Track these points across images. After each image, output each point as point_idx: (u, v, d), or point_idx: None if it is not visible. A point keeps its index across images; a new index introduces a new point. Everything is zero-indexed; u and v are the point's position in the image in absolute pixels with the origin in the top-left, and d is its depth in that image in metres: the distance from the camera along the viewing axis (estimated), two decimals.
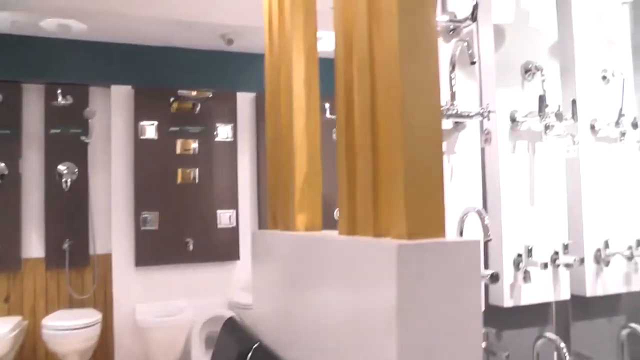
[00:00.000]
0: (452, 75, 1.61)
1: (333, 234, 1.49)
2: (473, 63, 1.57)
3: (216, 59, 3.79)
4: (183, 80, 3.72)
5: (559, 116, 1.71)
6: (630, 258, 2.00)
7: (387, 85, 1.18)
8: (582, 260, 1.81)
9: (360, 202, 1.31)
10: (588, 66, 1.98)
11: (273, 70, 2.01)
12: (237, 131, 3.84)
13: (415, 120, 1.11)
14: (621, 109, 1.94)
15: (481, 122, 1.73)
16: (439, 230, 1.14)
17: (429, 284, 1.02)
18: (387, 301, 1.01)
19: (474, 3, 1.62)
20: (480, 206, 1.71)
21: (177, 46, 3.72)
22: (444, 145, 1.68)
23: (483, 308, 1.68)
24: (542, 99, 1.70)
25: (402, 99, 1.11)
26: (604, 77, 2.01)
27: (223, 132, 3.78)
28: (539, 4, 1.90)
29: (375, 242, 1.16)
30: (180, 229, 3.69)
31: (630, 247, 2.00)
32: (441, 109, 1.52)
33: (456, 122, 1.67)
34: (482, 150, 1.80)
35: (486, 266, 1.76)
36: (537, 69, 1.81)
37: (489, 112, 1.59)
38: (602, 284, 1.98)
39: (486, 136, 1.65)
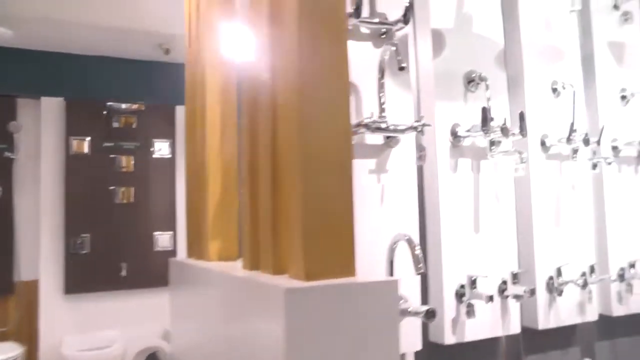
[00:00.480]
0: (382, 84, 1.40)
1: (237, 266, 1.28)
2: (402, 69, 1.37)
3: (154, 70, 3.55)
4: (119, 92, 3.46)
5: (505, 131, 1.53)
6: (584, 286, 1.82)
7: (286, 105, 0.99)
8: (532, 291, 1.62)
9: (262, 234, 1.10)
10: (537, 77, 1.81)
11: (190, 84, 1.81)
12: (176, 147, 3.59)
13: (316, 141, 0.95)
14: (572, 124, 1.77)
15: (417, 138, 1.52)
16: (347, 268, 0.95)
17: (329, 330, 0.86)
18: (277, 349, 0.85)
19: (407, 4, 1.42)
20: (416, 233, 1.50)
21: (113, 56, 3.47)
22: (374, 163, 1.47)
23: (420, 347, 1.47)
24: (486, 112, 1.51)
25: (299, 119, 0.95)
26: (554, 90, 1.85)
27: (161, 148, 3.52)
28: (483, 9, 1.72)
29: (268, 282, 0.96)
30: (114, 253, 3.40)
31: (584, 274, 1.83)
32: (366, 122, 1.32)
33: (388, 137, 1.47)
34: (420, 169, 1.60)
35: (425, 300, 1.55)
36: (481, 79, 1.63)
37: (424, 125, 1.39)
38: (555, 315, 1.79)
39: (420, 153, 1.45)
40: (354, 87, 1.47)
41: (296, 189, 0.94)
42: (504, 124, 1.53)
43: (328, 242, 0.94)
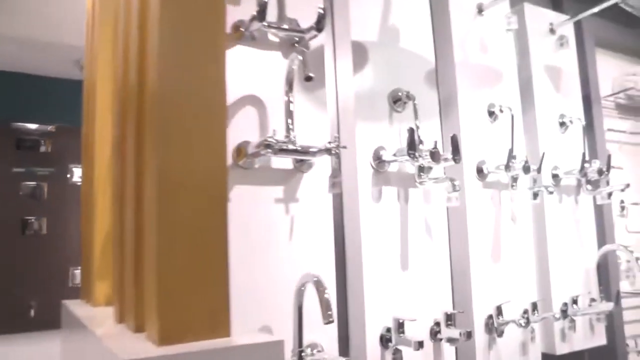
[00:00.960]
0: (290, 99, 1.21)
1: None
2: (308, 79, 1.18)
3: (70, 89, 3.25)
4: (30, 113, 3.14)
5: (436, 156, 1.36)
6: (526, 325, 1.65)
7: (149, 126, 0.79)
8: (469, 334, 1.43)
9: (126, 280, 0.88)
10: (472, 99, 1.66)
11: (84, 104, 1.59)
12: None
13: (176, 165, 0.75)
14: (511, 150, 1.62)
15: (333, 162, 1.33)
16: (219, 327, 0.73)
17: None
18: None
19: (320, 10, 1.25)
20: (332, 271, 1.30)
21: (23, 72, 3.16)
22: (281, 191, 1.26)
23: None
24: (413, 134, 1.33)
25: (157, 143, 0.74)
26: (491, 113, 1.70)
27: (79, 174, 3.21)
28: (411, 23, 1.57)
29: (111, 345, 0.74)
30: (22, 291, 3.03)
31: (525, 312, 1.66)
32: (268, 141, 1.12)
33: (299, 161, 1.27)
34: (339, 198, 1.40)
35: (345, 348, 1.33)
36: (409, 97, 1.47)
37: (339, 147, 1.19)
38: (495, 357, 1.61)
39: (334, 180, 1.25)
40: (259, 102, 1.27)
41: (150, 226, 0.73)
42: (434, 147, 1.36)
43: (192, 295, 0.73)
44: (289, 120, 1.20)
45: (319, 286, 1.06)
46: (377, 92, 1.47)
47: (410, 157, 1.33)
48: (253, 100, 1.28)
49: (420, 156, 1.37)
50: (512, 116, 1.66)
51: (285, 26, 1.28)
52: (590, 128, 2.05)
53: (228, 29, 1.28)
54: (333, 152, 1.19)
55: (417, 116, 1.42)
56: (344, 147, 1.24)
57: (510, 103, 1.73)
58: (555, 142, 1.88)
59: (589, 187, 1.86)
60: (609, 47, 2.24)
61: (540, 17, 1.95)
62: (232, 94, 1.25)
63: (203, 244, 0.75)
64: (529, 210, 1.76)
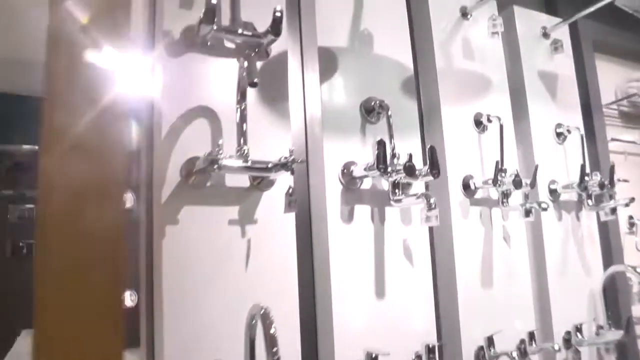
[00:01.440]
0: (242, 109, 1.09)
1: None
2: (252, 85, 1.06)
3: None
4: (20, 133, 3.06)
5: (410, 170, 1.22)
6: (522, 357, 1.49)
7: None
8: None
9: None
10: (457, 108, 1.53)
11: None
12: None
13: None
14: (498, 163, 1.48)
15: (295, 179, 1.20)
16: None
17: None
18: None
19: (278, 12, 1.13)
20: (295, 301, 1.16)
21: (9, 92, 3.09)
22: (236, 211, 1.13)
23: None
24: (383, 146, 1.20)
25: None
26: (479, 123, 1.56)
27: None
28: (386, 27, 1.45)
29: None
30: (12, 317, 2.91)
31: (522, 343, 1.50)
32: (213, 156, 0.99)
33: (256, 178, 1.14)
34: (306, 218, 1.27)
35: None
36: (383, 108, 1.34)
37: (293, 161, 1.06)
38: None
39: (290, 199, 1.12)
40: (212, 114, 1.15)
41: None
42: (409, 161, 1.22)
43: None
44: (242, 132, 1.08)
45: (265, 319, 0.92)
46: (349, 102, 1.34)
47: (380, 171, 1.19)
48: (205, 112, 1.16)
49: (394, 171, 1.23)
50: (501, 126, 1.52)
51: (239, 30, 1.16)
52: (591, 138, 1.90)
53: (178, 35, 1.17)
54: (288, 167, 1.06)
55: (391, 128, 1.29)
56: (301, 162, 1.11)
57: (500, 112, 1.59)
58: (552, 154, 1.73)
59: (591, 202, 1.70)
60: (608, 52, 2.11)
61: (531, 21, 1.82)
62: (183, 105, 1.14)
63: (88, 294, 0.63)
64: (525, 228, 1.61)
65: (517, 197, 1.56)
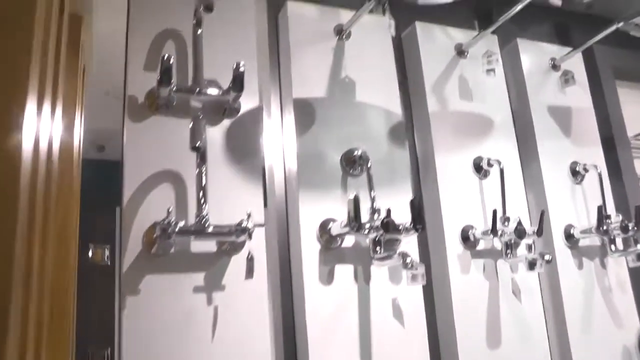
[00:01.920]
0: (202, 172, 1.05)
1: None
2: (194, 149, 1.01)
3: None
4: None
5: (387, 226, 1.14)
6: None
7: None
8: None
9: None
10: (454, 153, 1.45)
11: None
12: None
13: None
14: (496, 212, 1.36)
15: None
16: None
17: None
18: None
19: (240, 67, 1.10)
20: None
21: None
22: (202, 277, 1.08)
23: None
24: (356, 202, 1.13)
25: None
26: (479, 169, 1.46)
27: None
28: (369, 72, 1.39)
29: None
30: None
31: None
32: (163, 224, 0.95)
33: (224, 242, 1.09)
34: (283, 282, 1.20)
35: None
36: (363, 159, 1.27)
37: (250, 225, 1.00)
38: None
39: (249, 263, 1.06)
40: (176, 177, 1.12)
41: None
42: (387, 216, 1.14)
43: None
44: (201, 196, 1.04)
45: None
46: (329, 154, 1.28)
47: (353, 229, 1.12)
48: (168, 176, 1.12)
49: (372, 228, 1.15)
50: (502, 170, 1.42)
51: (199, 89, 1.13)
52: (616, 175, 1.75)
53: (142, 98, 1.15)
54: (246, 230, 1.00)
55: (371, 180, 1.22)
56: (260, 226, 1.05)
57: (504, 155, 1.49)
58: (568, 196, 1.60)
59: (614, 247, 1.54)
60: (630, 78, 1.95)
61: (538, 52, 1.72)
62: (147, 170, 1.11)
63: None
64: (538, 280, 1.47)
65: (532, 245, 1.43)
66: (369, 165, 1.24)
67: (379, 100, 1.38)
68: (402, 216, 1.16)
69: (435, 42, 1.53)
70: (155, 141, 1.14)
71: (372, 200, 1.20)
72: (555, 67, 1.72)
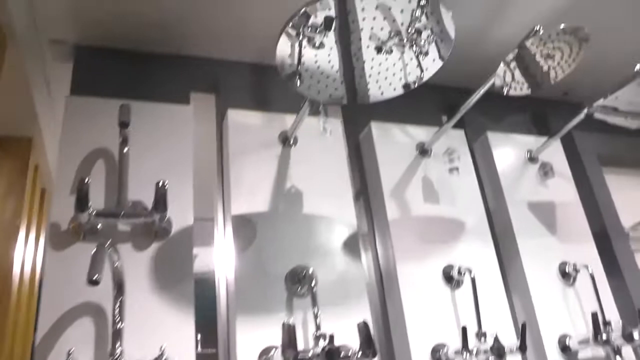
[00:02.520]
0: (118, 304, 0.96)
1: None
2: (91, 282, 0.91)
3: None
4: None
5: (331, 355, 1.00)
6: None
7: None
8: None
9: None
10: (420, 262, 1.33)
11: None
12: None
13: None
14: (465, 329, 1.21)
15: None
16: None
17: None
18: None
19: (161, 187, 1.04)
20: None
21: None
22: None
23: None
24: (287, 330, 1.01)
25: None
26: (449, 278, 1.34)
27: None
28: (320, 181, 1.32)
29: None
30: None
31: None
32: None
33: None
34: None
35: None
36: (306, 277, 1.16)
37: None
38: None
39: None
40: (96, 310, 1.02)
41: None
42: (330, 343, 1.01)
43: None
44: (115, 332, 0.94)
45: None
46: (270, 273, 1.18)
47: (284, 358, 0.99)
48: (88, 309, 1.03)
49: (315, 356, 1.03)
50: (473, 279, 1.29)
51: (122, 212, 1.07)
52: (614, 272, 1.60)
53: (66, 225, 1.09)
54: None
55: (315, 301, 1.10)
56: None
57: (479, 260, 1.37)
58: (560, 300, 1.44)
59: (620, 358, 1.36)
60: (616, 164, 1.84)
61: (513, 145, 1.64)
62: (67, 301, 1.03)
63: None
64: None
65: None
66: (312, 285, 1.13)
67: (330, 210, 1.29)
68: (355, 340, 1.03)
69: (394, 142, 1.47)
70: (77, 270, 1.06)
71: (317, 326, 1.08)
72: (532, 159, 1.63)
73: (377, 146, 1.43)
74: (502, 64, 1.14)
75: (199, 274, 1.21)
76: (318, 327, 1.08)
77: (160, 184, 1.05)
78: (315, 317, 1.09)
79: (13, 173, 1.36)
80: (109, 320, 1.03)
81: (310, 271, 1.17)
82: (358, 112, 1.50)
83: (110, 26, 1.31)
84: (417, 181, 1.43)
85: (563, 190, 1.63)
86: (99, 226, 1.10)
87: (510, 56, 1.14)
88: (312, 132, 1.35)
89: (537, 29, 1.13)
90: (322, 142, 1.37)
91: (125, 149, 1.14)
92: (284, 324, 1.01)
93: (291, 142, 1.33)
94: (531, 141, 1.67)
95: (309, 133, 1.35)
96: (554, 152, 1.67)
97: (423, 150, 1.48)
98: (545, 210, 1.56)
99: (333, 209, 1.30)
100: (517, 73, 1.22)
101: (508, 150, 1.62)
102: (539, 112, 1.85)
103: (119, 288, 0.99)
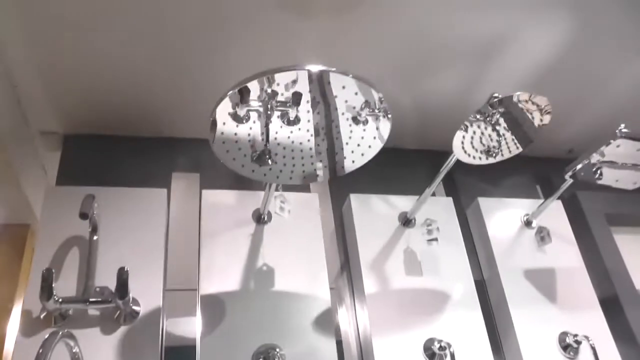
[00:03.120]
0: None
1: None
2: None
3: None
4: None
5: None
6: None
7: None
8: None
9: None
10: (398, 335, 1.30)
11: None
12: None
13: None
14: None
15: None
16: None
17: None
18: None
19: (121, 273, 1.08)
20: None
21: None
22: None
23: None
24: None
25: None
26: (432, 355, 1.30)
27: None
28: (295, 257, 1.33)
29: None
30: None
31: None
32: None
33: None
34: None
35: None
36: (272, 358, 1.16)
37: None
38: None
39: None
40: None
41: None
42: None
43: None
44: None
45: None
46: (237, 353, 1.19)
47: None
48: None
49: None
50: (452, 354, 1.24)
51: (87, 298, 1.12)
52: (626, 340, 1.49)
53: (38, 312, 1.15)
54: None
55: None
56: None
57: (467, 334, 1.32)
58: None
59: None
60: (626, 224, 1.76)
61: (507, 210, 1.60)
62: None
63: None
64: None
65: None
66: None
67: (303, 286, 1.30)
68: None
69: (374, 212, 1.47)
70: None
71: None
72: (528, 223, 1.58)
73: (356, 217, 1.44)
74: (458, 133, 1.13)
75: (178, 346, 1.23)
76: None
77: (121, 270, 1.10)
78: None
79: (8, 257, 1.44)
80: None
81: (277, 350, 1.17)
82: (343, 185, 1.52)
83: (95, 114, 1.42)
84: (399, 252, 1.42)
85: (565, 254, 1.57)
86: (70, 312, 1.15)
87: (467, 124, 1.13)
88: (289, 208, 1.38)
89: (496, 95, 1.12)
90: (298, 217, 1.39)
91: (95, 237, 1.20)
92: None
93: (264, 219, 1.36)
94: (528, 205, 1.62)
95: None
96: (555, 215, 1.62)
97: (406, 221, 1.48)
98: (543, 277, 1.50)
99: (306, 286, 1.30)
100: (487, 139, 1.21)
101: (502, 216, 1.59)
102: (542, 173, 1.81)
103: None
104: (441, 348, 1.28)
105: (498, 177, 1.72)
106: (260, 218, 1.36)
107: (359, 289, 1.37)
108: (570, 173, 1.36)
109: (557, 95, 1.19)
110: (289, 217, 1.38)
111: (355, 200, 1.47)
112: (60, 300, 1.10)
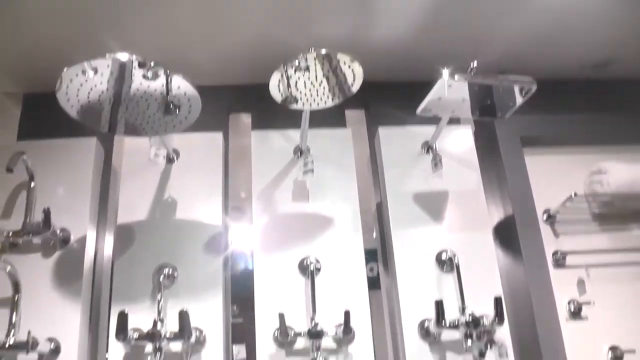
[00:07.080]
0: (16, 301, 1.51)
1: None
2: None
3: None
4: None
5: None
6: None
7: None
8: None
9: None
10: (275, 253, 1.69)
11: None
12: None
13: None
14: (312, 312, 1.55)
15: None
16: None
17: None
18: None
19: (44, 211, 1.57)
20: None
21: None
22: None
23: None
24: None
25: None
26: (304, 268, 1.66)
27: None
28: (193, 191, 1.74)
29: None
30: None
31: None
32: None
33: None
34: None
35: None
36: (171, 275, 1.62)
37: None
38: None
39: None
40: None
41: None
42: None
43: None
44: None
45: None
46: (141, 271, 1.63)
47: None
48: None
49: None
50: (312, 272, 1.61)
51: (27, 230, 1.61)
52: (514, 257, 1.75)
53: None
54: None
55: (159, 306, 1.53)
56: None
57: (344, 249, 1.68)
58: (433, 287, 1.66)
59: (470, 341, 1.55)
60: (539, 144, 1.92)
61: (408, 138, 1.85)
62: None
63: None
64: None
65: None
66: (175, 274, 1.59)
67: (198, 215, 1.71)
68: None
69: (271, 145, 1.81)
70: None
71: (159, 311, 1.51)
72: (428, 150, 1.82)
73: (254, 150, 1.80)
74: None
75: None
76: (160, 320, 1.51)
77: (45, 208, 1.58)
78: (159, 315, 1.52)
79: None
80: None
81: (172, 266, 1.62)
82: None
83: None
84: (288, 181, 1.76)
85: (462, 179, 1.80)
86: (20, 241, 1.67)
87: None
88: (194, 146, 1.78)
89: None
90: (201, 154, 1.78)
91: (32, 184, 1.68)
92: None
93: (172, 157, 1.77)
94: (431, 132, 1.83)
95: (191, 147, 1.77)
96: (461, 141, 1.84)
97: (301, 152, 1.80)
98: (433, 200, 1.76)
99: (201, 213, 1.71)
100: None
101: (402, 144, 1.84)
102: None
103: (15, 287, 1.54)
104: (316, 267, 1.65)
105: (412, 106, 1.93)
106: (170, 158, 1.76)
107: (247, 214, 1.74)
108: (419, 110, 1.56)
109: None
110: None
111: (256, 137, 1.82)
112: (10, 233, 1.61)
